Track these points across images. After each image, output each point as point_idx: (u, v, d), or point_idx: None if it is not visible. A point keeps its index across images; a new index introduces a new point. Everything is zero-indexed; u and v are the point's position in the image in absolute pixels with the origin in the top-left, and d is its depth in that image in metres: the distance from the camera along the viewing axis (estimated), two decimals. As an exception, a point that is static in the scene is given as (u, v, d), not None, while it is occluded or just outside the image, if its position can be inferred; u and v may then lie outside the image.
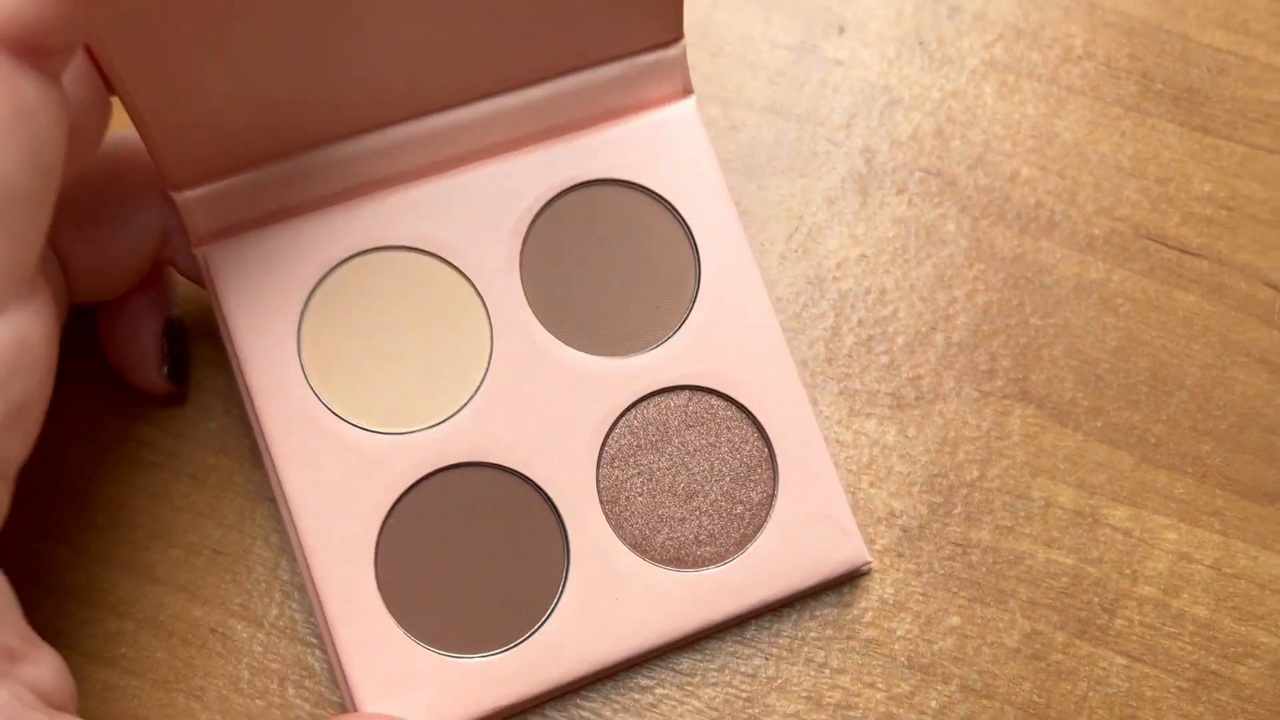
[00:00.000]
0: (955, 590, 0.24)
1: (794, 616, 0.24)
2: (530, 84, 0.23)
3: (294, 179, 0.23)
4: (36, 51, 0.16)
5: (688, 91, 0.25)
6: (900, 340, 0.26)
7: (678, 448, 0.23)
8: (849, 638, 0.24)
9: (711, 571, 0.23)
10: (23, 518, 0.18)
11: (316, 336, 0.23)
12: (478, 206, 0.24)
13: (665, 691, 0.23)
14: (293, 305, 0.23)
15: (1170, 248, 0.27)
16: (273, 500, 0.24)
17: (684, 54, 0.24)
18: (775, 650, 0.24)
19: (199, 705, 0.23)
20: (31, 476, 0.19)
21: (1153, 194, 0.27)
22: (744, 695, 0.23)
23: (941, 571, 0.24)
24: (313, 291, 0.23)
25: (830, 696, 0.23)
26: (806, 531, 0.23)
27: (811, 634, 0.24)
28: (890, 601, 0.24)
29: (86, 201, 0.22)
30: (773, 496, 0.23)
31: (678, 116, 0.25)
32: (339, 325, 0.23)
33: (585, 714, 0.23)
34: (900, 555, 0.24)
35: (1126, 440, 0.25)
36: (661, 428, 0.23)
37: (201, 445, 0.24)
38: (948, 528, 0.25)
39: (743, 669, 0.24)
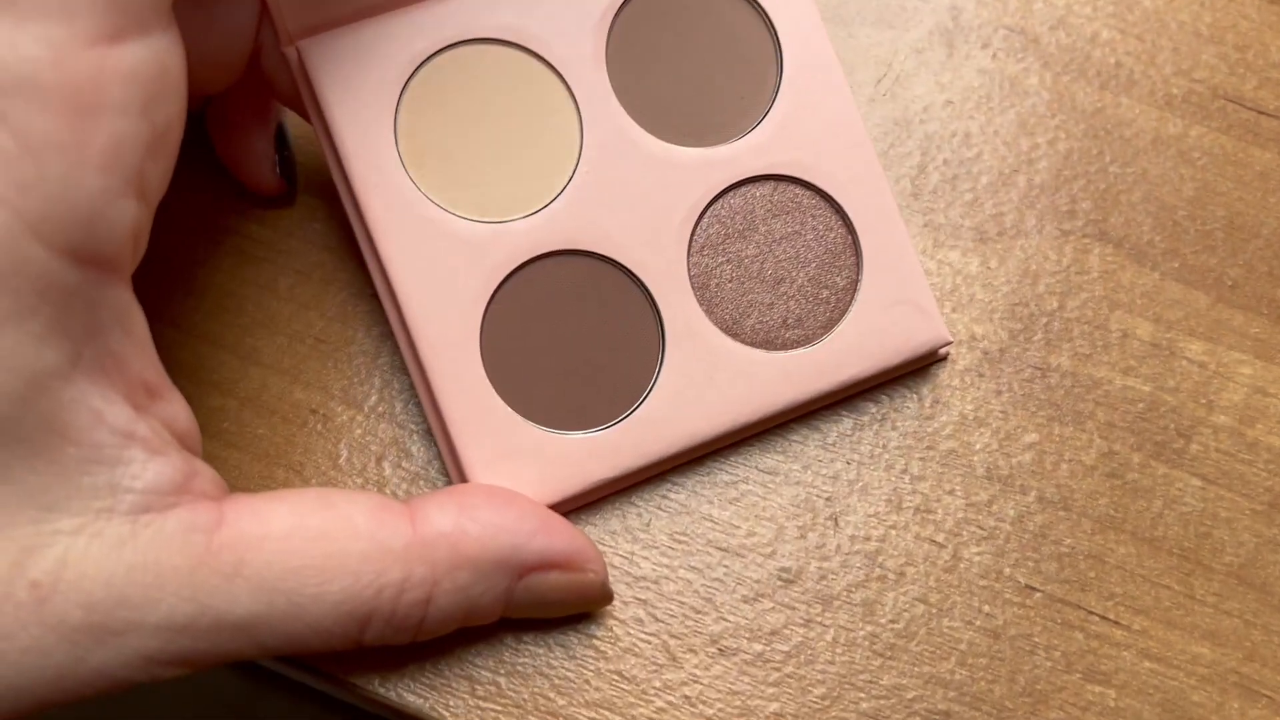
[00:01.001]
0: (1034, 410, 0.25)
1: (875, 427, 0.24)
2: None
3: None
4: None
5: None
6: (984, 180, 0.27)
7: (764, 235, 0.24)
8: (929, 449, 0.24)
9: (800, 352, 0.23)
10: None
11: (412, 128, 0.23)
12: None
13: (749, 488, 0.24)
14: (387, 98, 0.23)
15: (1247, 108, 0.28)
16: (374, 297, 0.25)
17: None
18: (856, 457, 0.24)
19: (298, 479, 0.24)
20: (147, 264, 0.19)
21: (1230, 59, 0.28)
22: (825, 496, 0.24)
23: (1020, 392, 0.25)
24: (406, 84, 0.23)
25: (910, 501, 0.24)
26: (889, 314, 0.24)
27: (892, 444, 0.24)
28: (970, 418, 0.25)
29: None
30: (856, 281, 0.24)
31: None
32: (432, 117, 0.23)
33: (673, 504, 0.24)
34: (980, 375, 0.25)
35: (1203, 281, 0.26)
36: (748, 216, 0.24)
37: (307, 243, 0.25)
38: (1027, 352, 0.25)
39: (824, 472, 0.24)
